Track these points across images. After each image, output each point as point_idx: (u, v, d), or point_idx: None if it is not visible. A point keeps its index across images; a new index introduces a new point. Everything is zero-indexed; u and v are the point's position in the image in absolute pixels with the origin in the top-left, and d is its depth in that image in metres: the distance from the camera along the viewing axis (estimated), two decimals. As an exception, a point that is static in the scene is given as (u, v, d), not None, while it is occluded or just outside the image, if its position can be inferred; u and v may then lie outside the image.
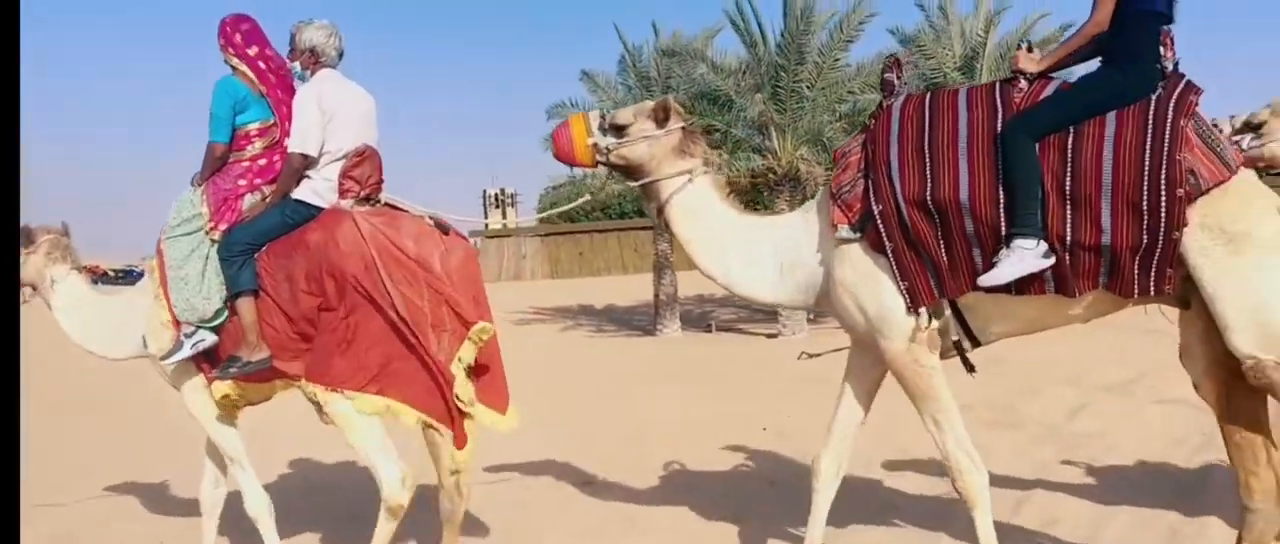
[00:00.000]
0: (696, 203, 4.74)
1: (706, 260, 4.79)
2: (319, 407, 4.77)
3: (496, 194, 50.14)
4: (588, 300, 27.40)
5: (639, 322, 21.02)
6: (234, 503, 5.38)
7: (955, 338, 4.40)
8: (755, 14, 16.47)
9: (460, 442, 4.83)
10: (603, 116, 4.78)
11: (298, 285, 4.66)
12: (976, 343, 4.46)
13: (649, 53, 18.47)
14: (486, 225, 40.93)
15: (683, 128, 4.73)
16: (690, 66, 17.53)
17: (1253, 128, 4.60)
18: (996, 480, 6.27)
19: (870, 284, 4.34)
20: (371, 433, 4.73)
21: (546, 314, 23.95)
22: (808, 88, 16.13)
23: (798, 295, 4.73)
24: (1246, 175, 4.12)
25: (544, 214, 38.62)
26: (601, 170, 4.95)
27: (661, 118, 4.69)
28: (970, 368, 4.53)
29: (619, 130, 4.71)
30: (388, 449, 4.74)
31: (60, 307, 5.37)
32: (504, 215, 46.12)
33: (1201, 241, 3.89)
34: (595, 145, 4.72)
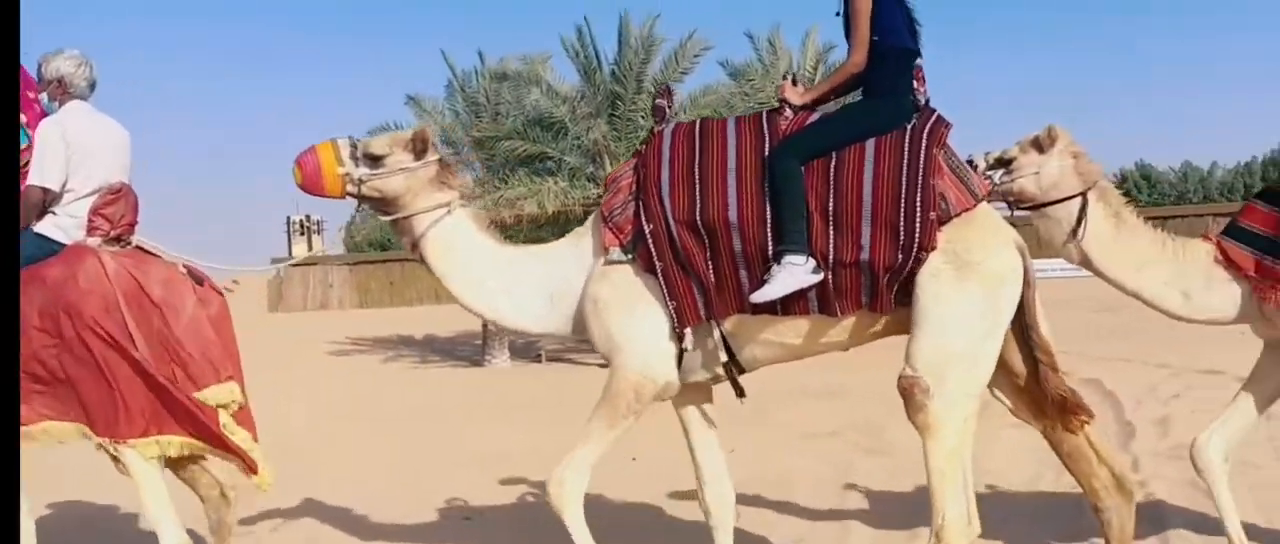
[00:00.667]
0: (454, 237, 4.64)
1: (468, 295, 4.70)
2: (113, 456, 4.45)
3: (301, 221, 48.42)
4: (405, 330, 26.57)
5: (464, 352, 20.49)
6: None
7: (724, 360, 4.44)
8: (593, 41, 16.39)
9: (251, 469, 4.61)
10: (354, 145, 4.57)
11: (30, 322, 4.30)
12: (741, 370, 4.53)
13: (478, 78, 18.08)
14: (287, 263, 39.41)
15: (440, 160, 4.61)
16: (522, 92, 17.26)
17: (1003, 163, 4.84)
18: (881, 511, 6.35)
19: (626, 304, 4.40)
20: (158, 491, 4.47)
21: (364, 345, 23.12)
22: (643, 116, 16.10)
23: (568, 325, 4.68)
24: (988, 208, 4.46)
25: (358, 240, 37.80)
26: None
27: (419, 149, 4.54)
28: (740, 392, 4.59)
29: (374, 160, 4.52)
30: (171, 514, 4.48)
31: None
32: (309, 243, 44.57)
33: (936, 264, 4.16)
34: (347, 175, 4.51)
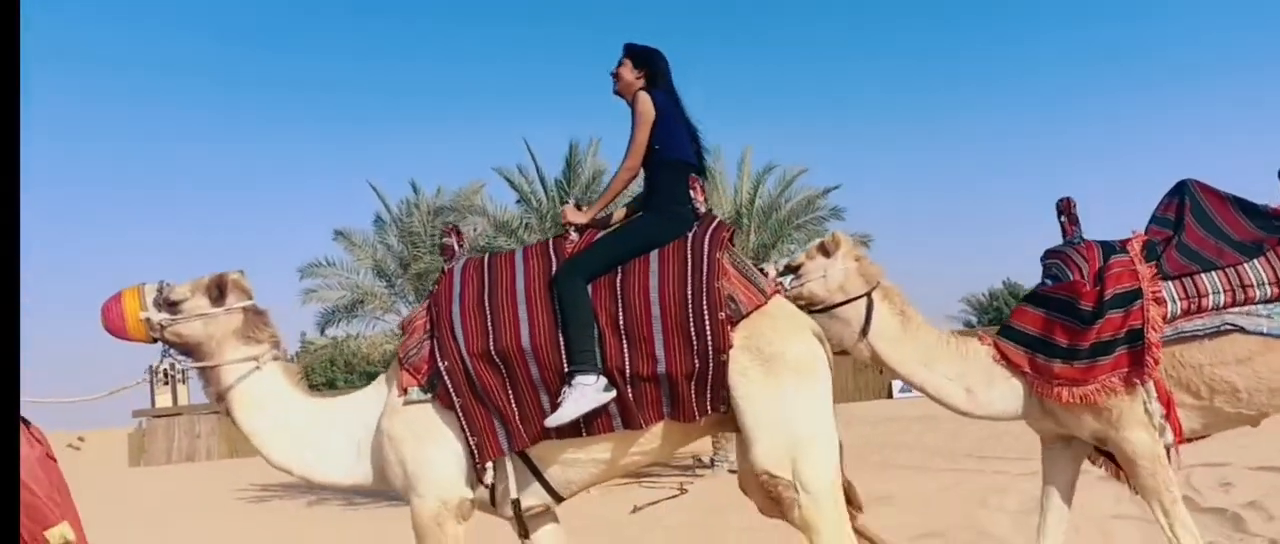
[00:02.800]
0: (263, 392, 4.52)
1: (277, 453, 4.57)
2: None
3: (165, 370, 45.65)
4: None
5: (370, 490, 19.57)
6: None
7: (516, 497, 4.35)
8: (539, 167, 16.34)
9: None
10: (160, 289, 4.50)
11: None
12: (559, 497, 4.48)
13: (413, 209, 17.75)
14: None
15: (246, 307, 4.50)
16: (459, 221, 17.01)
17: (793, 269, 5.00)
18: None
19: (418, 438, 4.32)
20: None
21: (273, 489, 21.89)
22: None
23: (377, 470, 4.54)
24: (781, 301, 4.49)
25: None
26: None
27: (215, 295, 4.44)
28: (525, 533, 4.49)
29: (172, 306, 4.45)
30: None
31: None
32: (174, 393, 42.34)
33: (742, 362, 4.16)
34: (148, 320, 4.44)
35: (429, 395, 4.32)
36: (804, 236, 17.00)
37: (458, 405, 4.24)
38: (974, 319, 46.92)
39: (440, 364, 4.27)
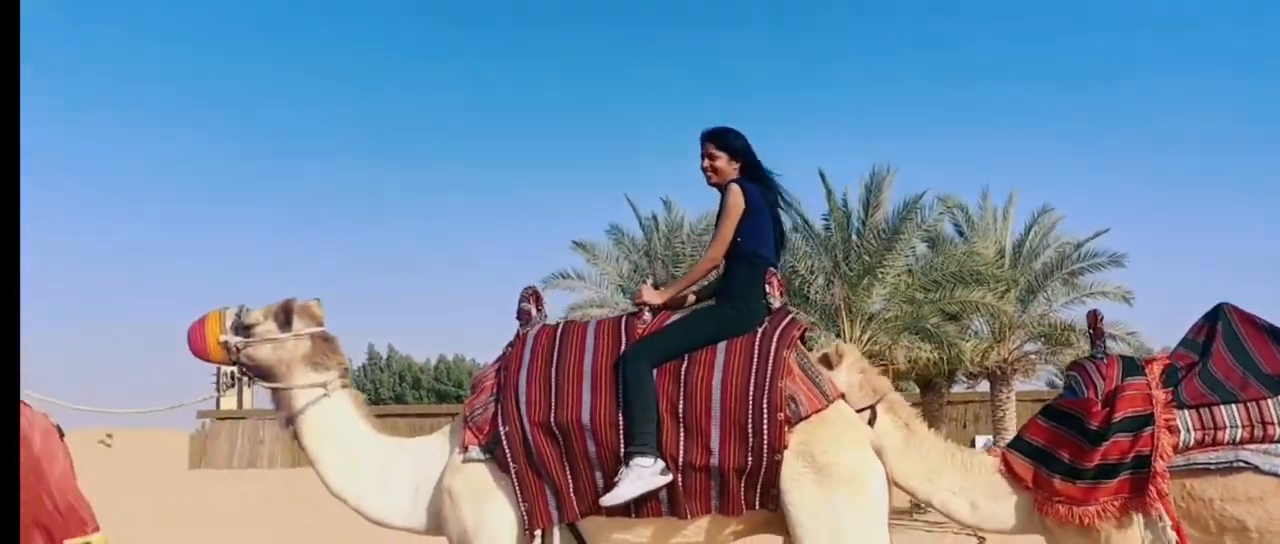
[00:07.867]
0: (331, 420, 4.64)
1: (337, 481, 4.65)
2: None
3: (232, 371, 44.47)
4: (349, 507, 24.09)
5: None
6: None
7: None
8: (830, 194, 15.98)
9: None
10: (238, 313, 4.70)
11: None
12: None
13: (674, 226, 17.38)
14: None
15: (314, 334, 4.66)
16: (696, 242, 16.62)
17: (243, 329, 4.79)
18: None
19: (479, 497, 4.40)
20: None
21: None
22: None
23: (432, 520, 4.62)
24: (842, 406, 4.43)
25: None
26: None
27: (282, 320, 4.63)
28: None
29: (246, 329, 4.64)
30: None
31: None
32: (240, 395, 41.45)
33: (795, 468, 4.17)
34: (226, 343, 4.66)
35: (488, 456, 4.38)
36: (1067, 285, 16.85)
37: (512, 471, 4.31)
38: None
39: (501, 428, 4.34)
